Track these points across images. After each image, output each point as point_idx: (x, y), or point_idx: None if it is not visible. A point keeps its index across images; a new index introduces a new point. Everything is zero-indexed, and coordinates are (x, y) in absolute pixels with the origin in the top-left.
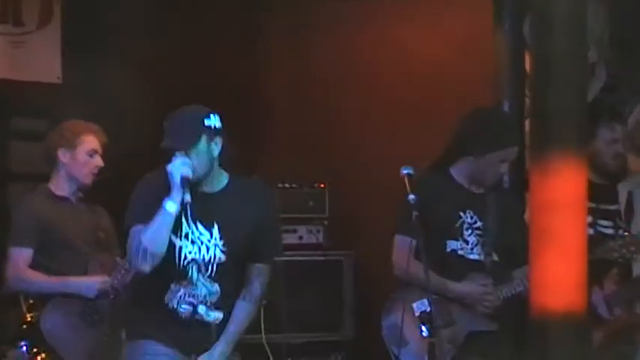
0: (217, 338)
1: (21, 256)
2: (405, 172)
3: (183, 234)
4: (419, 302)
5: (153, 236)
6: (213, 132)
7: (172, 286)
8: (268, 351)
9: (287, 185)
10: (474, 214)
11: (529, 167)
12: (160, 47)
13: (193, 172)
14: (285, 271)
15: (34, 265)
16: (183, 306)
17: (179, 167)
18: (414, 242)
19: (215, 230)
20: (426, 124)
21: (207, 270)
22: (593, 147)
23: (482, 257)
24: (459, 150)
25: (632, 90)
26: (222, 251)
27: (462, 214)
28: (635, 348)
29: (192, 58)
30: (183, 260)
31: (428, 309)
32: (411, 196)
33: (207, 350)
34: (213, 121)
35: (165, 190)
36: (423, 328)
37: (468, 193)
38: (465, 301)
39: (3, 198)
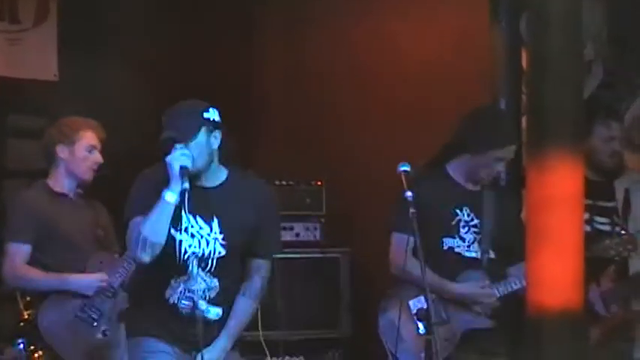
0: (218, 334)
1: (18, 252)
2: (401, 169)
3: (183, 227)
4: (415, 299)
5: (152, 226)
6: (212, 125)
7: (172, 282)
8: (265, 348)
9: (284, 182)
10: (471, 211)
11: (526, 164)
12: (156, 44)
13: (192, 163)
14: (282, 268)
15: (31, 262)
16: (183, 302)
17: (178, 158)
18: (411, 240)
19: (215, 224)
20: (423, 121)
21: (207, 264)
22: (589, 144)
23: (478, 255)
24: (458, 148)
25: (628, 87)
26: (222, 245)
27: (458, 211)
28: (631, 345)
29: (190, 55)
30: (184, 254)
31: (424, 306)
32: (408, 193)
33: (207, 346)
34: (212, 114)
35: (164, 184)
36: (420, 325)
37: (464, 190)
38: (463, 302)
39: None
